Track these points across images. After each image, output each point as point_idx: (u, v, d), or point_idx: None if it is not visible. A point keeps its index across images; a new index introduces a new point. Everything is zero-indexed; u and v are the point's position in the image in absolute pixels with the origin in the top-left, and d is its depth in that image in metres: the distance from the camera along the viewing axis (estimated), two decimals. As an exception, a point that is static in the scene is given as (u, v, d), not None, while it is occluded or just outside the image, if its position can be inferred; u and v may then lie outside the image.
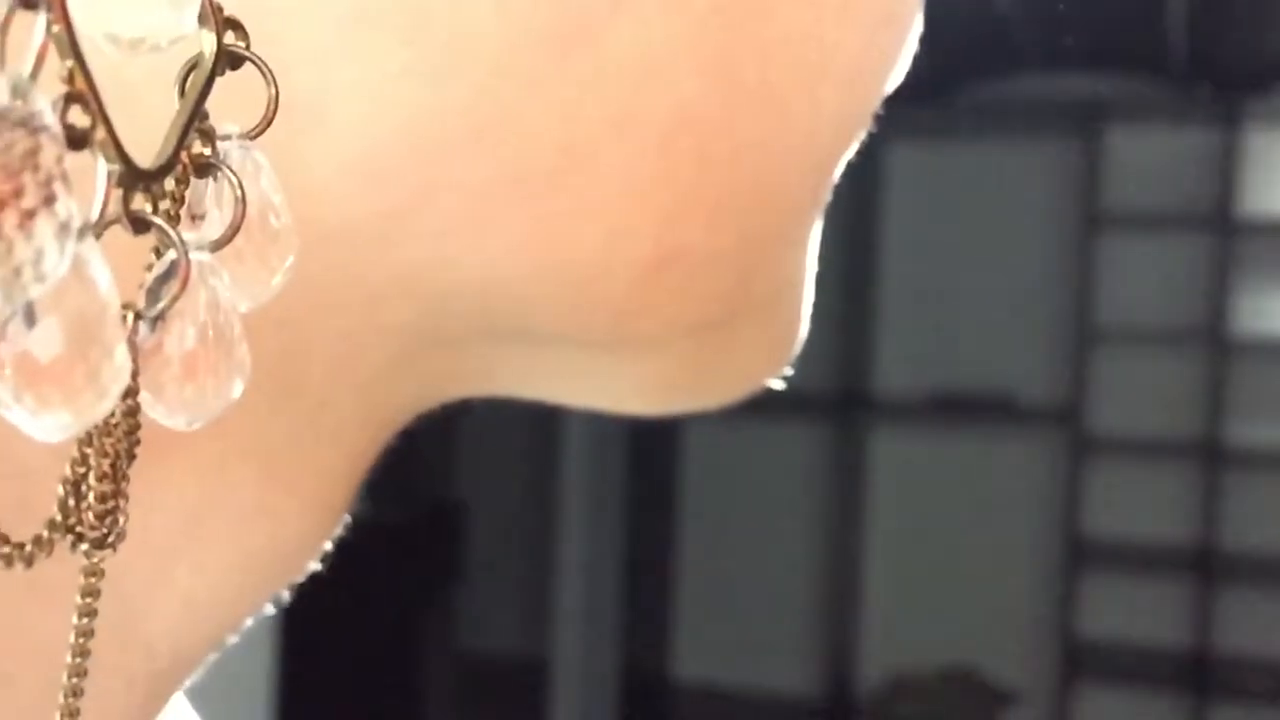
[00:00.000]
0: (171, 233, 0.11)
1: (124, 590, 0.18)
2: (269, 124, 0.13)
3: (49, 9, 0.10)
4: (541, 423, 3.11)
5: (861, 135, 0.21)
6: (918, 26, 0.21)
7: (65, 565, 0.17)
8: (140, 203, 0.11)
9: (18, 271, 0.10)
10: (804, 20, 0.18)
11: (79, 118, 0.11)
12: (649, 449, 3.35)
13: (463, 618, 3.17)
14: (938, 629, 3.37)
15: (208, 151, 0.12)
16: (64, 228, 0.10)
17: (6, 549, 0.12)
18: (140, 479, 0.16)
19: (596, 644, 3.14)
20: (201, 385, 0.12)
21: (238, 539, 0.19)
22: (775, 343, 0.22)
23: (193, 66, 0.13)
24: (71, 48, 0.11)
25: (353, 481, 0.21)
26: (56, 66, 0.11)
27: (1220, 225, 3.13)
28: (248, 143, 0.13)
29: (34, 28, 0.11)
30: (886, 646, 3.40)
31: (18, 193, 0.10)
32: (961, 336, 3.37)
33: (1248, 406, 3.16)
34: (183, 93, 0.12)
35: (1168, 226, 3.19)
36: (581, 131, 0.17)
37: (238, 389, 0.12)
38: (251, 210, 0.12)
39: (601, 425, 2.96)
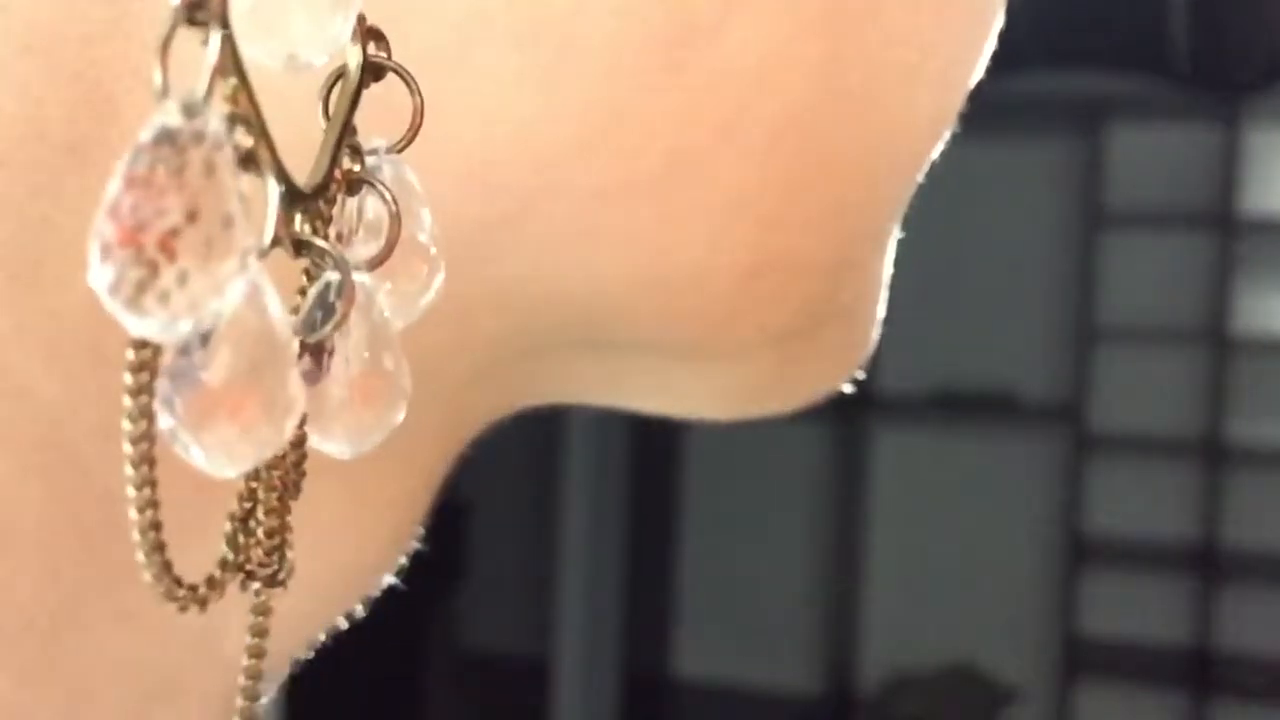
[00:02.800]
0: (335, 254, 0.11)
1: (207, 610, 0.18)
2: (415, 135, 0.12)
3: (220, 25, 0.10)
4: (544, 422, 3.10)
5: (947, 136, 0.21)
6: (999, 25, 0.21)
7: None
8: (298, 224, 0.11)
9: (194, 303, 0.09)
10: (906, 22, 0.18)
11: (242, 138, 0.10)
12: (651, 447, 3.35)
13: (465, 616, 3.17)
14: (939, 626, 3.37)
15: (357, 168, 0.12)
16: (242, 252, 0.10)
17: (181, 593, 0.11)
18: (220, 501, 0.16)
19: (598, 642, 3.13)
20: (365, 411, 0.11)
21: (317, 556, 0.19)
22: (851, 348, 0.22)
23: (335, 80, 0.12)
24: (236, 66, 0.10)
25: (429, 493, 0.21)
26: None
27: (1223, 223, 3.13)
28: (395, 156, 0.12)
29: (193, 45, 0.10)
30: (888, 644, 3.40)
31: (192, 216, 0.09)
32: (964, 334, 3.36)
33: (1249, 404, 3.16)
34: (326, 107, 0.12)
35: (1170, 224, 3.19)
36: (690, 137, 0.17)
37: (400, 414, 0.12)
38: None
39: (604, 423, 2.95)
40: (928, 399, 3.39)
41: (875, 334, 0.23)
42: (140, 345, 0.10)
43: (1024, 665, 3.28)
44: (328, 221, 0.12)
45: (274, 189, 0.10)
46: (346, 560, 0.20)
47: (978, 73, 0.20)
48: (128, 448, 0.10)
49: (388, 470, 0.19)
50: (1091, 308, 3.24)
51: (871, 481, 3.47)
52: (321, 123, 0.12)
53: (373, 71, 0.12)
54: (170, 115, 0.10)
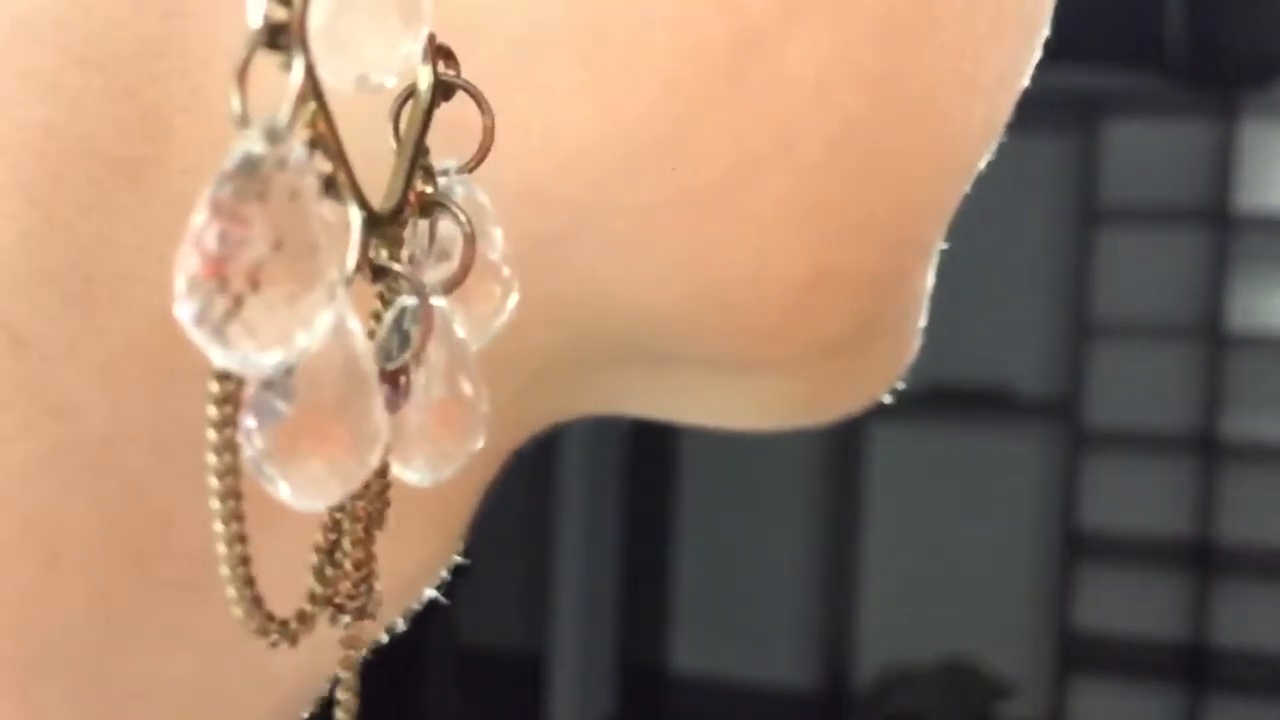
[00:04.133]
0: (412, 278, 0.11)
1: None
2: (486, 154, 0.12)
3: (301, 49, 0.10)
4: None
5: (994, 146, 0.21)
6: (1045, 32, 0.21)
7: (198, 608, 0.16)
8: (374, 249, 0.11)
9: (282, 334, 0.09)
10: (962, 32, 0.18)
11: (322, 163, 0.10)
12: (647, 442, 3.35)
13: (463, 611, 3.17)
14: (935, 621, 3.37)
15: (430, 189, 0.11)
16: (329, 282, 0.09)
17: (274, 628, 0.11)
18: (275, 517, 0.15)
19: (594, 637, 3.13)
20: (445, 438, 0.11)
21: None
22: (896, 359, 0.22)
23: (405, 99, 0.12)
24: (315, 91, 0.10)
25: (472, 505, 0.21)
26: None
27: (1218, 219, 3.13)
28: (466, 176, 0.12)
29: (271, 68, 0.10)
30: (884, 638, 3.40)
31: (278, 246, 0.09)
32: (959, 329, 3.36)
33: (1244, 400, 3.16)
34: (396, 127, 0.12)
35: (1165, 220, 3.19)
36: (747, 150, 0.16)
37: (480, 439, 0.11)
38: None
39: (600, 419, 2.95)
40: (923, 394, 3.39)
41: (917, 344, 0.23)
42: (224, 377, 0.10)
43: (1020, 660, 3.29)
44: (401, 245, 0.11)
45: (356, 215, 0.10)
46: (389, 573, 0.19)
47: (1026, 80, 0.20)
48: (213, 482, 0.10)
49: (437, 486, 0.19)
50: (1087, 303, 3.24)
51: (867, 477, 3.47)
52: (391, 143, 0.12)
53: (442, 90, 0.12)
54: (253, 142, 0.09)
